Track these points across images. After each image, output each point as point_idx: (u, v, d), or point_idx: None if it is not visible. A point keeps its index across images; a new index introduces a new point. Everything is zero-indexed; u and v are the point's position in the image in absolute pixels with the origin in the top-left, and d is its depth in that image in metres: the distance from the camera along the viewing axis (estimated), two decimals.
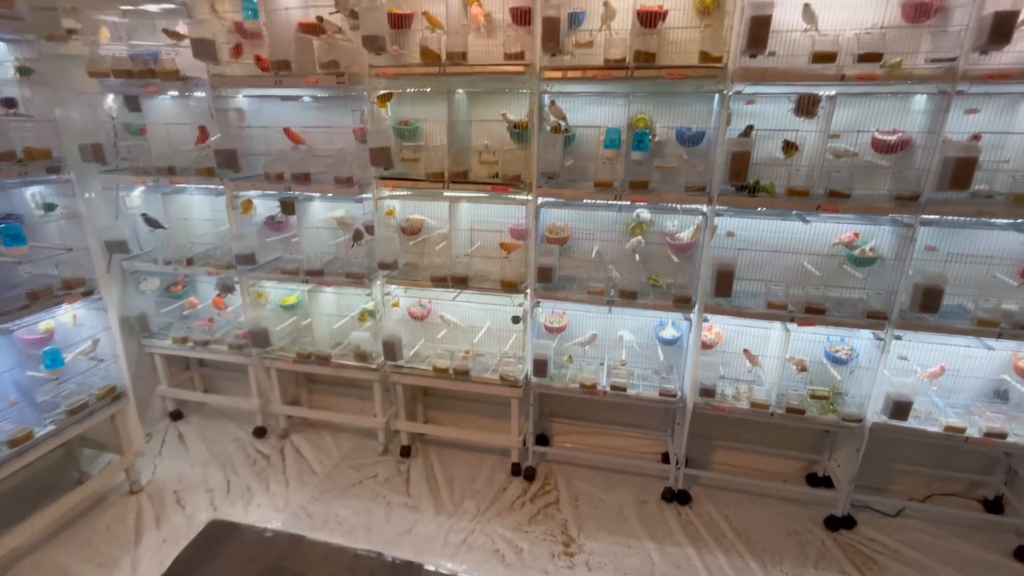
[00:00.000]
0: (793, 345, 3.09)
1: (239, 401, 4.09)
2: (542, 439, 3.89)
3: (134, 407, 3.28)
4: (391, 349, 3.37)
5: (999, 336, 2.64)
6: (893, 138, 2.68)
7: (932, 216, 2.58)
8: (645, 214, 3.17)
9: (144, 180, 3.50)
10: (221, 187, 3.40)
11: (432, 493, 3.43)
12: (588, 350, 3.44)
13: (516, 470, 3.61)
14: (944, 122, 2.44)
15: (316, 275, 3.41)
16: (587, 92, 2.99)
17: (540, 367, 3.20)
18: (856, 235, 2.94)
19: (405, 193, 3.26)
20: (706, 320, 3.03)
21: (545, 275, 3.02)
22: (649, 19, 2.76)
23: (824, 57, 2.42)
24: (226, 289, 3.67)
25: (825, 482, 3.43)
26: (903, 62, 2.41)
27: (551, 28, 2.59)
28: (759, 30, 2.38)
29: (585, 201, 3.04)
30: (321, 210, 3.59)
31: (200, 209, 3.90)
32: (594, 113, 3.06)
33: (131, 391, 3.24)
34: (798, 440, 3.53)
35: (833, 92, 2.70)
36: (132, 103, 3.54)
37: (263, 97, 3.47)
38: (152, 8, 3.28)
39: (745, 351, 3.15)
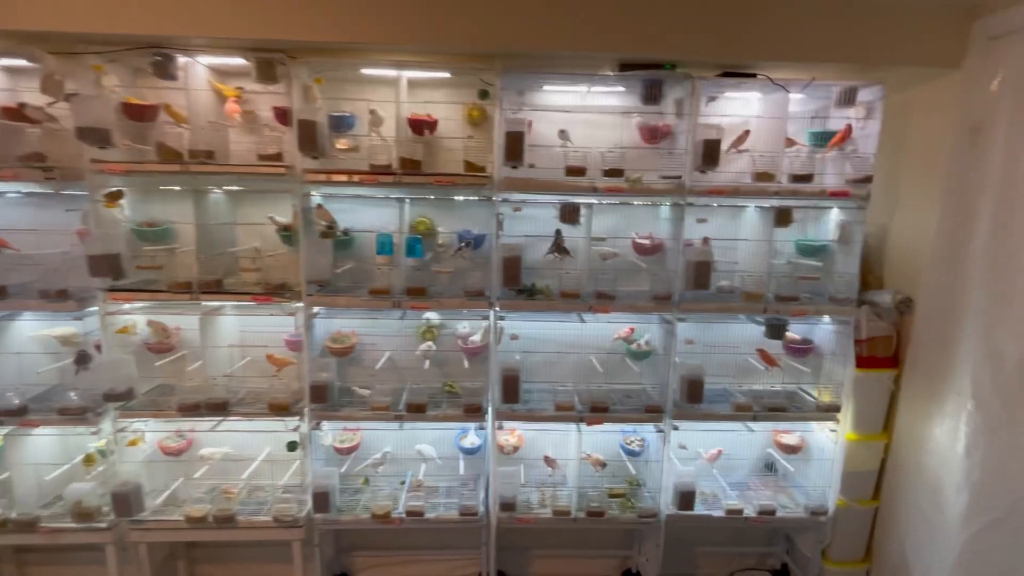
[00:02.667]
0: (592, 440, 3.07)
1: None
2: None
3: None
4: (124, 502, 2.65)
5: (754, 419, 2.88)
6: (647, 242, 2.92)
7: (684, 314, 2.79)
8: (435, 318, 3.02)
9: None
10: None
11: None
12: (383, 469, 3.07)
13: None
14: (682, 230, 2.71)
15: (14, 415, 2.62)
16: (361, 196, 2.84)
17: (321, 501, 2.74)
18: (632, 330, 3.09)
19: (144, 305, 2.72)
20: (500, 427, 2.88)
21: (320, 394, 2.65)
22: (418, 127, 2.76)
23: (575, 171, 2.59)
24: None
25: None
26: (643, 178, 2.66)
27: (307, 132, 2.42)
28: (514, 144, 2.47)
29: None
30: (30, 329, 2.84)
31: None
32: (374, 216, 2.91)
33: None
34: (611, 538, 3.45)
35: (594, 201, 2.90)
36: None
37: None
38: None
39: (545, 457, 3.05)
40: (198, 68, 2.60)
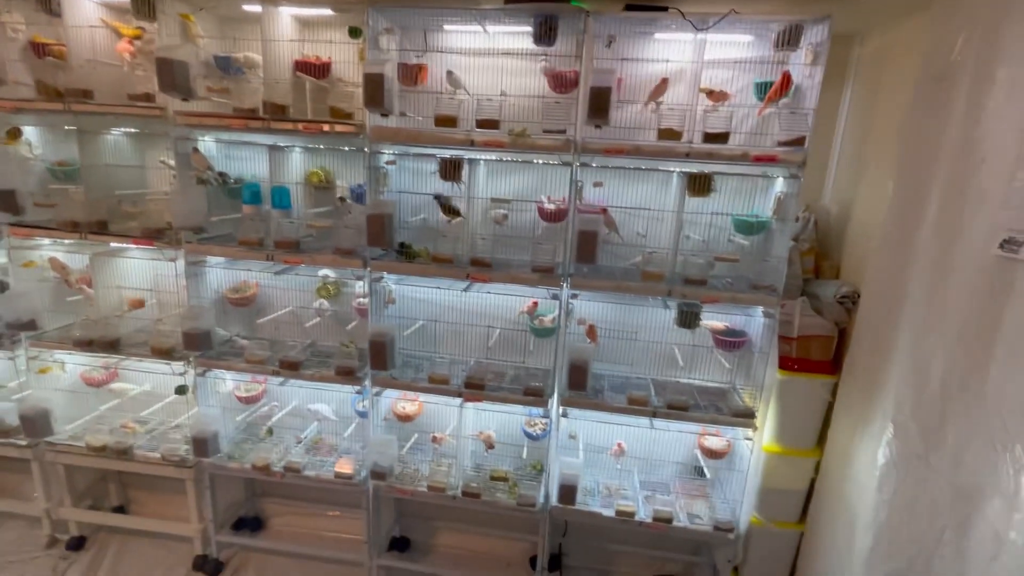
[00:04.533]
0: (499, 420, 2.87)
1: None
2: (255, 522, 3.42)
3: None
4: (32, 424, 2.84)
5: (654, 414, 2.53)
6: (553, 207, 2.59)
7: (577, 290, 2.47)
8: (331, 275, 2.91)
9: None
10: None
11: None
12: (293, 423, 3.07)
13: (200, 563, 3.10)
14: (573, 194, 2.36)
15: None
16: (246, 143, 2.74)
17: (200, 445, 2.78)
18: (535, 304, 2.80)
19: (47, 243, 2.83)
20: (377, 394, 2.75)
21: (193, 342, 2.65)
22: (306, 70, 2.58)
23: (445, 120, 2.30)
24: None
25: (554, 564, 3.17)
26: (527, 130, 2.32)
27: (166, 71, 2.32)
28: (372, 88, 2.22)
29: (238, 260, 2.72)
30: None
31: None
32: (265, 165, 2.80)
33: None
34: (519, 522, 3.27)
35: (492, 157, 2.60)
36: None
37: None
38: None
39: (433, 437, 2.89)
40: (87, 5, 2.57)
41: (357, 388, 2.75)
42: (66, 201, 2.67)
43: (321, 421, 3.04)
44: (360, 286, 2.89)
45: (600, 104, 2.12)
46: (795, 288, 2.49)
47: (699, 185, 2.31)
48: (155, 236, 2.63)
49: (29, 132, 2.81)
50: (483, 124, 2.29)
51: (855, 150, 2.51)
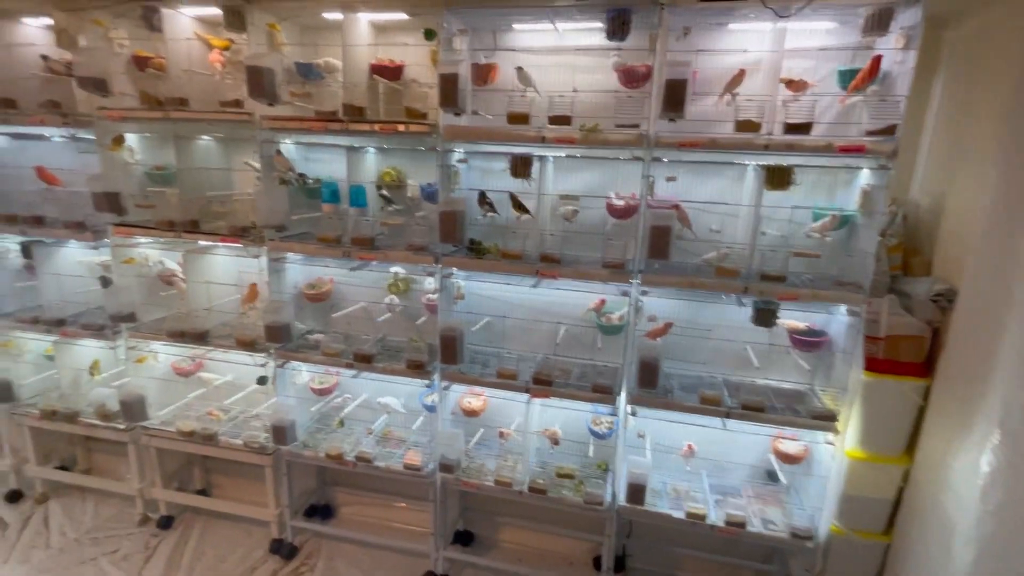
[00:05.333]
0: (565, 417, 2.87)
1: None
2: (325, 510, 3.56)
3: None
4: (130, 409, 3.07)
5: (727, 415, 2.46)
6: (622, 203, 2.57)
7: (648, 287, 2.43)
8: (401, 272, 3.00)
9: None
10: None
11: (169, 574, 3.05)
12: (364, 415, 3.18)
13: (275, 547, 3.25)
14: (644, 189, 2.34)
15: (58, 325, 3.14)
16: (324, 144, 2.87)
17: (279, 433, 2.92)
18: (603, 301, 2.78)
19: (145, 241, 3.05)
20: (446, 388, 2.81)
21: (275, 334, 2.79)
22: (381, 73, 2.68)
23: (518, 118, 2.33)
24: None
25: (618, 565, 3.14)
26: (600, 126, 2.31)
27: (256, 78, 2.47)
28: (448, 87, 2.28)
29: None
30: (79, 255, 3.33)
31: None
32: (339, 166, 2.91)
33: None
34: (582, 520, 3.25)
35: (561, 154, 2.62)
36: None
37: (25, 136, 3.28)
38: None
39: (500, 432, 2.92)
40: (182, 20, 2.76)
41: (426, 382, 2.82)
42: (163, 202, 2.88)
43: (390, 414, 3.13)
44: (429, 282, 2.96)
45: (676, 97, 2.09)
46: (882, 285, 2.37)
47: (778, 178, 2.23)
48: (240, 234, 2.79)
49: (130, 139, 3.05)
50: (555, 120, 2.31)
51: (949, 140, 2.36)
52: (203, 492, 3.68)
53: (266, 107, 2.58)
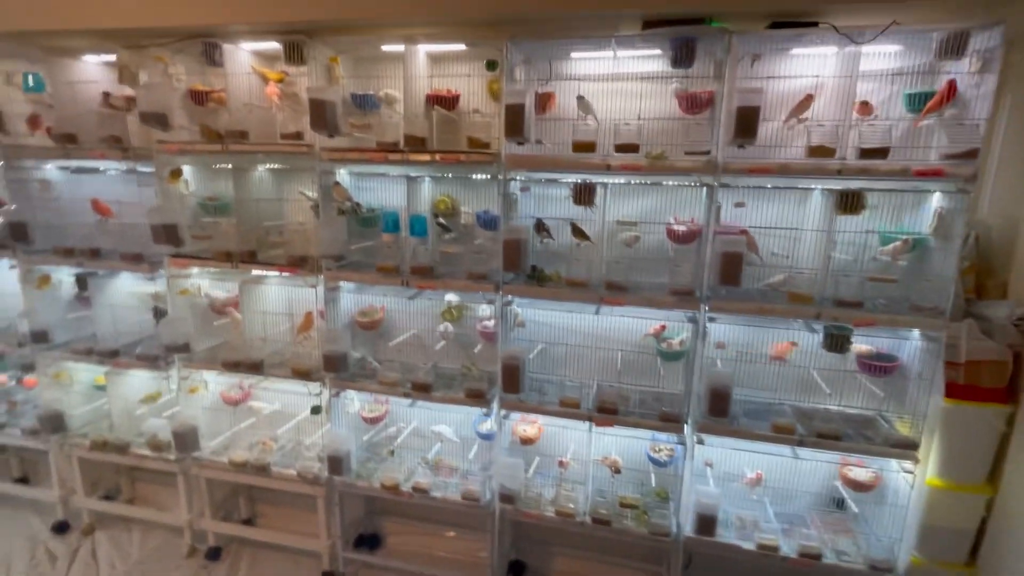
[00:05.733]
0: (621, 445, 2.83)
1: (40, 492, 3.69)
2: (373, 540, 3.51)
3: None
4: (182, 440, 3.06)
5: (800, 443, 2.41)
6: (682, 228, 2.56)
7: (715, 313, 2.40)
8: (455, 299, 2.99)
9: None
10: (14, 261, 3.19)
11: None
12: (413, 443, 3.15)
13: None
14: (711, 215, 2.32)
15: (111, 356, 3.15)
16: (381, 174, 2.88)
17: (335, 464, 2.90)
18: (663, 327, 2.75)
19: (195, 272, 3.06)
20: (506, 416, 2.78)
21: (332, 363, 2.78)
22: (438, 103, 2.70)
23: (583, 147, 2.33)
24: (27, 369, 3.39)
25: None
26: (665, 153, 2.31)
27: (318, 111, 2.49)
28: (513, 117, 2.29)
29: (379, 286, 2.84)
30: (131, 285, 3.35)
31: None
32: (401, 195, 2.92)
33: None
34: (638, 549, 3.18)
35: (620, 181, 2.61)
36: None
37: (83, 170, 3.32)
38: None
39: (560, 461, 2.88)
40: (241, 55, 2.81)
41: (484, 410, 2.79)
42: (219, 233, 2.90)
43: (443, 442, 3.09)
44: (484, 309, 2.94)
45: (748, 124, 2.09)
46: (957, 309, 2.32)
47: (852, 203, 2.21)
48: (298, 264, 2.79)
49: (185, 171, 3.08)
50: (621, 148, 2.30)
51: (1019, 159, 2.33)
52: (248, 522, 3.64)
53: (326, 138, 2.61)
